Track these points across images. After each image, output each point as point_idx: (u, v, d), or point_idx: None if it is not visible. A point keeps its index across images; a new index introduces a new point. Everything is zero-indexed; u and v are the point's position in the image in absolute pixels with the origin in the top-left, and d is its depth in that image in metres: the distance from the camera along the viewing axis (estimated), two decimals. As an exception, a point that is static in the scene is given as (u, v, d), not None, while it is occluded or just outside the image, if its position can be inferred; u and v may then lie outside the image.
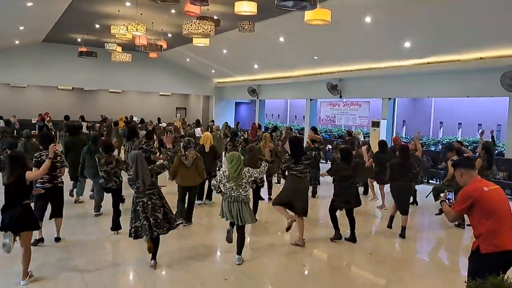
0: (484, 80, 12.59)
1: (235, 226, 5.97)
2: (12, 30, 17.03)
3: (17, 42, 20.01)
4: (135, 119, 21.70)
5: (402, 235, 7.41)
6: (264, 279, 5.68)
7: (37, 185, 6.18)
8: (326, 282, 5.67)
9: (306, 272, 5.95)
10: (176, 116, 27.02)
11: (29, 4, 12.67)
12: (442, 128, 19.49)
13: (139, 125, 17.60)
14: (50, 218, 6.54)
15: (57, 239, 6.57)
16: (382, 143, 9.76)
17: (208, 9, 11.38)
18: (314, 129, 12.14)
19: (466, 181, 4.06)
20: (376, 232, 8.18)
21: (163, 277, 5.64)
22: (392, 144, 11.17)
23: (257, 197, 8.38)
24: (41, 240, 6.42)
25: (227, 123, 19.36)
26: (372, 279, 5.83)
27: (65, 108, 23.04)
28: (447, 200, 4.37)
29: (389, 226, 7.71)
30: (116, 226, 7.06)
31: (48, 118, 19.71)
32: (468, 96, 13.89)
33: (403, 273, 6.06)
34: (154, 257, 5.70)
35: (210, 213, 8.89)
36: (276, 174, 11.01)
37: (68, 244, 6.57)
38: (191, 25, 9.74)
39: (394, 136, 13.33)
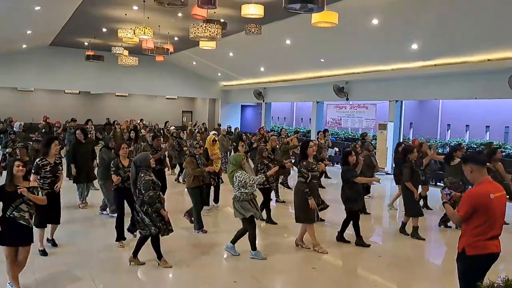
0: (491, 82, 12.52)
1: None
2: (19, 34, 17.15)
3: (24, 46, 20.15)
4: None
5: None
6: (274, 282, 5.67)
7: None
8: (335, 285, 5.63)
9: (312, 276, 5.93)
10: (190, 121, 27.16)
11: (37, 8, 12.75)
12: (449, 130, 19.36)
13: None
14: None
15: (53, 243, 6.48)
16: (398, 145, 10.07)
17: (214, 12, 11.38)
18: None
19: (475, 179, 3.93)
20: (386, 233, 8.16)
21: (172, 279, 5.64)
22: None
23: (267, 199, 8.40)
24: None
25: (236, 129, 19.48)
26: (381, 282, 5.79)
27: (72, 112, 23.17)
28: (447, 195, 4.23)
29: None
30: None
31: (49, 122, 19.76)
32: (475, 98, 13.81)
33: (412, 276, 6.02)
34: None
35: (217, 216, 8.92)
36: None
37: (75, 247, 6.59)
38: (198, 28, 9.76)
39: (413, 139, 13.30)
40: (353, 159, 6.95)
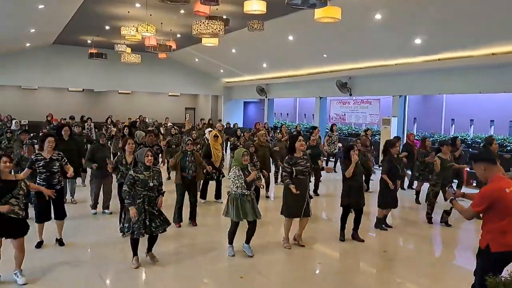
0: (496, 76, 12.45)
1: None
2: (23, 32, 17.18)
3: (28, 44, 20.18)
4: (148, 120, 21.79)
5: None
6: (279, 277, 5.68)
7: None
8: (341, 281, 5.65)
9: (317, 271, 5.93)
10: (186, 117, 27.15)
11: (41, 6, 12.77)
12: (453, 125, 19.30)
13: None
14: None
15: (60, 242, 6.48)
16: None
17: (217, 9, 11.39)
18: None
19: (487, 177, 3.95)
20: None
21: (177, 276, 5.63)
22: (406, 141, 11.19)
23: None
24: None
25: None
26: (383, 276, 5.80)
27: (75, 109, 23.21)
28: (452, 193, 4.32)
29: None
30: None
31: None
32: (480, 92, 13.74)
33: (413, 270, 6.03)
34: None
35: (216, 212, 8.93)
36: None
37: (79, 244, 6.61)
38: (200, 25, 9.74)
39: (408, 133, 13.27)
40: (355, 154, 6.85)
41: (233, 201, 5.95)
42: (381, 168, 8.34)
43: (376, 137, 17.70)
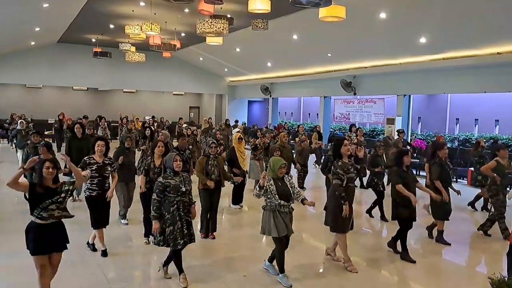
0: (501, 75, 12.40)
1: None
2: (28, 31, 17.26)
3: (32, 43, 20.28)
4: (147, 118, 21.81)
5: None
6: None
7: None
8: (345, 278, 5.63)
9: (321, 270, 5.90)
10: (191, 116, 27.13)
11: (45, 5, 12.82)
12: (458, 124, 19.19)
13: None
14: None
15: (104, 253, 6.05)
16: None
17: (221, 8, 11.37)
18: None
19: None
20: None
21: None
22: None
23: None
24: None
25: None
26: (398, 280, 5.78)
27: (80, 108, 23.29)
28: None
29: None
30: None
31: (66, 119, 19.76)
32: (485, 92, 13.69)
33: (435, 276, 6.00)
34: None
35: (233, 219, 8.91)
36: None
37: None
38: (204, 24, 9.76)
39: (438, 135, 13.09)
40: (409, 160, 6.05)
41: (269, 214, 5.14)
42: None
43: (380, 137, 17.65)
